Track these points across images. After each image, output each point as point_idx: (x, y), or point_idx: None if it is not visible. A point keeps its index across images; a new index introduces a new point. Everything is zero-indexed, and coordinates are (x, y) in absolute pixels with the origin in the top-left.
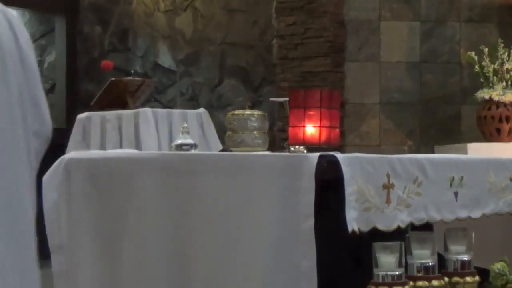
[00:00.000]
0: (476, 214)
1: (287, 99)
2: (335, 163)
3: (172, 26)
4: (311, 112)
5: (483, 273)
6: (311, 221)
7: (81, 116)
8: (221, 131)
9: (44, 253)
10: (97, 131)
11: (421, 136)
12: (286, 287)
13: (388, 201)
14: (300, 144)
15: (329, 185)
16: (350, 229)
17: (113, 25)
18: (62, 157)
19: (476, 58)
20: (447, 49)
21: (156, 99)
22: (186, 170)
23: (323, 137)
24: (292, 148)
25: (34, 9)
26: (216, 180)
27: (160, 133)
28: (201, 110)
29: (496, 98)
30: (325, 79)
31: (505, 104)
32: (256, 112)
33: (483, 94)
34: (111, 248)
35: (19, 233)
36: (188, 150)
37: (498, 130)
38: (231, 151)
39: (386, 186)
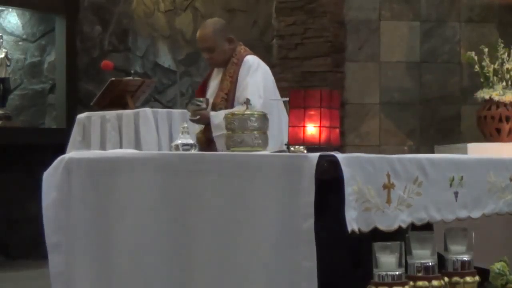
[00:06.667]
0: (476, 214)
1: (287, 99)
2: (335, 163)
3: (172, 26)
4: (311, 112)
5: (483, 273)
6: (311, 221)
7: (81, 116)
8: None
9: (44, 253)
10: (97, 131)
11: (421, 136)
12: (286, 287)
13: (389, 201)
14: (300, 144)
15: (329, 185)
16: (349, 229)
17: (113, 25)
18: (62, 156)
19: (476, 58)
20: (447, 49)
21: (156, 99)
22: (186, 170)
23: (323, 137)
24: (292, 148)
25: (34, 9)
26: (216, 180)
27: (160, 133)
28: None
29: (496, 98)
30: (325, 79)
31: (505, 104)
32: (256, 112)
33: (483, 94)
34: (109, 248)
35: None
36: (188, 150)
37: (498, 130)
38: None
39: (386, 186)
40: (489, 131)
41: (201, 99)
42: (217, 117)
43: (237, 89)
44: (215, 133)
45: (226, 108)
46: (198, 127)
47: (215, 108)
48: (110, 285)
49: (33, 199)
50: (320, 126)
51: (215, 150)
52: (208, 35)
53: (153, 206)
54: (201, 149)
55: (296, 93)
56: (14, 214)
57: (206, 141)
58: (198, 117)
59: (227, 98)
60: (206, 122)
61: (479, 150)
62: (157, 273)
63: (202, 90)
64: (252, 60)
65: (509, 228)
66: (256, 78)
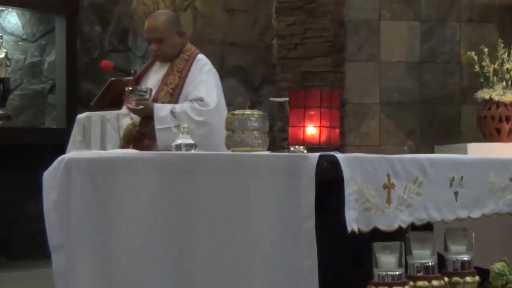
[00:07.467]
0: (476, 214)
1: (287, 99)
2: (335, 163)
3: None
4: (311, 112)
5: (483, 273)
6: (311, 222)
7: (81, 116)
8: None
9: (44, 253)
10: (97, 131)
11: (421, 136)
12: (287, 287)
13: (389, 201)
14: (300, 144)
15: (329, 185)
16: (349, 229)
17: (113, 25)
18: (62, 156)
19: (476, 58)
20: (447, 49)
21: None
22: (186, 170)
23: (323, 137)
24: (292, 148)
25: (34, 9)
26: (216, 180)
27: None
28: None
29: (496, 98)
30: (325, 79)
31: (505, 104)
32: (256, 112)
33: (483, 94)
34: (110, 248)
35: None
36: (188, 150)
37: (498, 130)
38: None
39: (386, 186)
40: (489, 131)
41: (144, 88)
42: (162, 110)
43: (187, 86)
44: (158, 126)
45: (170, 103)
46: (129, 120)
47: (155, 101)
48: (111, 284)
49: (33, 199)
50: (320, 126)
51: (148, 146)
52: (159, 25)
53: (153, 206)
54: (125, 143)
55: (296, 93)
56: (14, 214)
57: (137, 136)
58: (141, 107)
59: (173, 93)
60: (148, 114)
61: (479, 150)
62: (157, 272)
63: (137, 82)
64: (205, 60)
65: (509, 228)
66: (209, 78)
